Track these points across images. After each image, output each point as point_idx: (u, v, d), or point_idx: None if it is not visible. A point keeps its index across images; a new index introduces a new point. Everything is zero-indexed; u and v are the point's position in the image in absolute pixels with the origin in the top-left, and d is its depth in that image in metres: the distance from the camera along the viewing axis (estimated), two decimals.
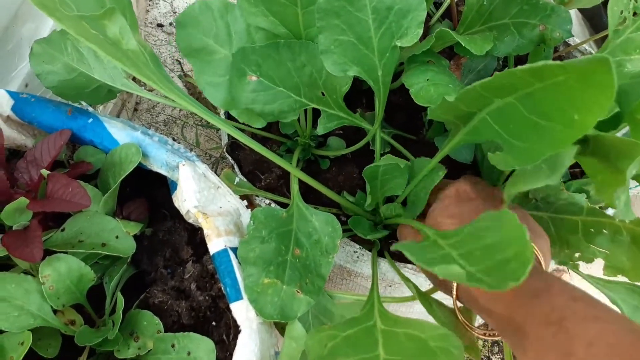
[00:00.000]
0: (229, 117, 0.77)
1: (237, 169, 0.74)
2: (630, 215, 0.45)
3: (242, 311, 0.51)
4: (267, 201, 0.72)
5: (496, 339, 0.54)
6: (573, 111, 0.38)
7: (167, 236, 0.64)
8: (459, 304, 0.53)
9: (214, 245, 0.54)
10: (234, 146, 0.77)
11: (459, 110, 0.50)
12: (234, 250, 0.54)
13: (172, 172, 0.58)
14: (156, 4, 1.38)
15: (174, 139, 1.25)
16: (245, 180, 0.72)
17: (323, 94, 0.62)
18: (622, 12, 0.52)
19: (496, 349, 1.38)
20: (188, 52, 0.62)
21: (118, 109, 1.14)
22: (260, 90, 0.57)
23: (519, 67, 0.37)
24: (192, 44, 0.61)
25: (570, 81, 0.37)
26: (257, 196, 0.72)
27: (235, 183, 0.71)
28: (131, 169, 0.57)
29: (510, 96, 0.43)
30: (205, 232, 0.54)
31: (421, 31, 0.53)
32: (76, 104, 0.65)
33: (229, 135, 0.78)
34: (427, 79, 0.59)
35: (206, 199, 0.57)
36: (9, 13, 0.75)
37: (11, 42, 0.78)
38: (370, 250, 0.72)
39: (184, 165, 0.57)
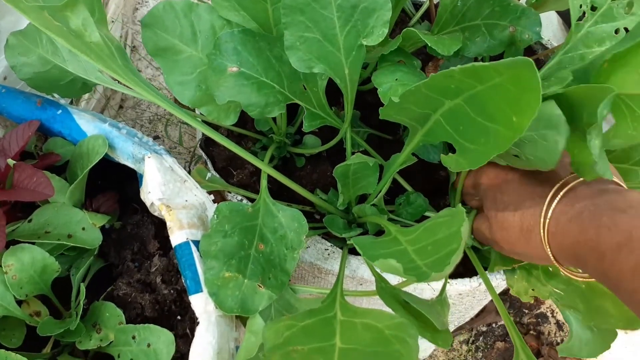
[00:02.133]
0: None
1: (210, 165, 0.74)
2: (607, 173, 0.44)
3: (200, 304, 0.51)
4: (239, 197, 0.72)
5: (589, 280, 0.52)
6: (511, 112, 0.40)
7: (136, 230, 0.65)
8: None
9: (176, 237, 0.54)
10: (208, 142, 0.77)
11: (411, 112, 0.51)
12: (196, 243, 0.55)
13: (138, 164, 0.58)
14: (145, 2, 1.39)
15: (158, 137, 1.26)
16: (217, 176, 0.73)
17: (305, 88, 0.62)
18: (581, 6, 0.53)
19: (480, 354, 1.38)
20: (155, 52, 0.62)
21: (102, 105, 1.14)
22: (243, 80, 0.57)
23: (455, 67, 0.38)
24: (158, 44, 0.62)
25: (505, 83, 0.39)
26: (230, 192, 0.73)
27: (207, 179, 0.71)
28: (97, 160, 0.57)
29: (458, 98, 0.44)
30: (168, 224, 0.55)
31: (387, 30, 0.53)
32: (48, 96, 0.66)
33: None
34: (396, 79, 0.59)
35: (172, 192, 0.57)
36: None
37: None
38: (341, 248, 0.72)
39: (149, 157, 0.57)
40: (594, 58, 0.48)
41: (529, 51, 0.87)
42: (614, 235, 0.41)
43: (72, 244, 0.58)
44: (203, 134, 0.76)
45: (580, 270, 0.50)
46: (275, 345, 0.45)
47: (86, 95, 1.00)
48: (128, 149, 0.58)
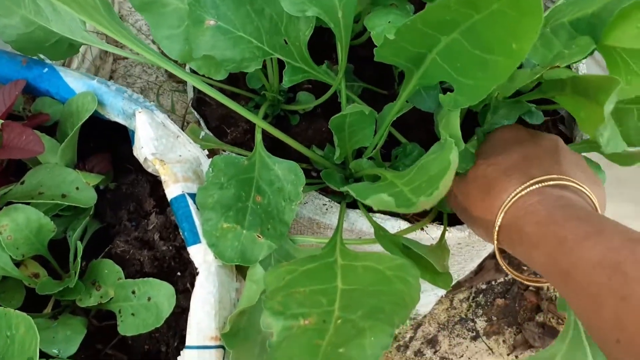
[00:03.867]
0: (193, 72, 0.76)
1: (203, 124, 0.73)
2: (620, 147, 0.45)
3: (199, 254, 0.51)
4: (234, 155, 0.71)
5: (542, 284, 0.54)
6: (511, 40, 0.39)
7: (131, 189, 0.64)
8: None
9: (172, 190, 0.53)
10: (200, 101, 0.76)
11: (406, 51, 0.50)
12: (192, 196, 0.54)
13: (129, 120, 0.58)
14: None
15: None
16: (211, 134, 0.72)
17: (286, 42, 0.60)
18: None
19: (480, 311, 1.39)
20: (141, 7, 0.61)
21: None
22: (220, 35, 0.55)
23: None
24: None
25: (504, 8, 0.38)
26: (224, 150, 0.72)
27: (200, 137, 0.70)
28: (87, 117, 0.56)
29: (454, 32, 0.44)
30: (163, 178, 0.54)
31: None
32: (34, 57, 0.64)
33: (194, 90, 0.78)
34: (389, 22, 0.58)
35: (165, 147, 0.56)
36: None
37: None
38: (339, 203, 0.72)
39: (140, 112, 0.56)
40: (599, 9, 0.48)
41: None
42: (583, 226, 0.41)
43: (66, 204, 0.57)
44: (195, 94, 0.75)
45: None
46: (277, 288, 0.45)
47: (74, 64, 0.98)
48: (118, 105, 0.57)
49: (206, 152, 0.60)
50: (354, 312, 0.41)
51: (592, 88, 0.43)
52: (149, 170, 0.58)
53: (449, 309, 1.38)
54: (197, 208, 0.53)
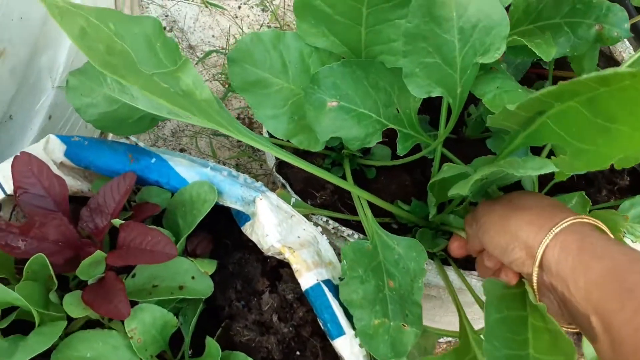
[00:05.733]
0: (271, 136, 0.75)
1: (289, 189, 0.72)
2: None
3: (346, 347, 0.50)
4: (325, 218, 0.71)
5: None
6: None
7: (237, 268, 0.63)
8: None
9: (306, 280, 0.52)
10: (281, 165, 0.75)
11: (519, 117, 0.49)
12: (326, 282, 0.53)
13: (247, 206, 0.56)
14: (146, 9, 1.32)
15: (183, 149, 1.22)
16: (300, 200, 0.71)
17: (398, 111, 0.60)
18: None
19: None
20: (243, 87, 0.59)
21: None
22: (343, 114, 0.55)
23: (586, 75, 0.37)
24: (247, 79, 0.59)
25: (636, 85, 0.36)
26: (314, 214, 0.71)
27: (291, 204, 0.69)
28: (209, 209, 0.55)
29: (571, 100, 0.42)
30: (294, 267, 0.53)
31: (504, 47, 0.52)
32: (131, 142, 0.62)
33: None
34: (497, 87, 0.58)
35: (285, 231, 0.55)
36: (29, 46, 0.70)
37: (33, 75, 0.73)
38: (432, 259, 0.72)
39: (261, 199, 0.55)
40: None
41: None
42: None
43: (185, 296, 0.55)
44: (276, 159, 0.74)
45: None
46: None
47: None
48: (236, 193, 0.56)
49: (320, 228, 0.60)
50: None
51: None
52: (269, 253, 0.57)
53: None
54: (333, 295, 0.53)
